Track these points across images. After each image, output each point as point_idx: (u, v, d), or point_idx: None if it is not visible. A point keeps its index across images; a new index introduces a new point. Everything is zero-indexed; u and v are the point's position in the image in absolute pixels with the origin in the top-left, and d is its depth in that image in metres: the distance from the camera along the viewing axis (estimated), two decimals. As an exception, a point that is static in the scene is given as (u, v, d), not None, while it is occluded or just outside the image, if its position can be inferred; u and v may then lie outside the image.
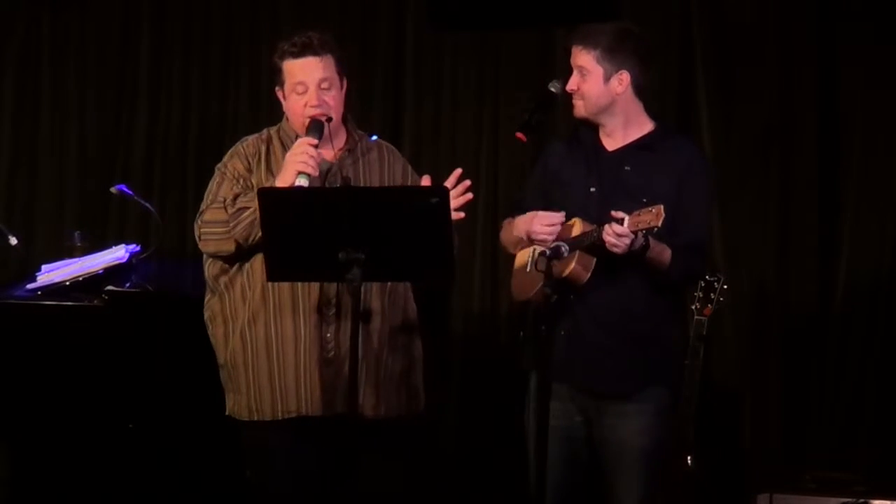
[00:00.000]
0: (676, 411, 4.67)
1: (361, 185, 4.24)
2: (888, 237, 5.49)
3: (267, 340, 4.17)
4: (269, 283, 4.13)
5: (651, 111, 4.34)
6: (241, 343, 4.21)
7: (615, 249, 3.99)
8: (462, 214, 4.05)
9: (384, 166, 4.33)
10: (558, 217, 4.15)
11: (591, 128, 4.33)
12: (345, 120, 4.31)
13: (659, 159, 4.22)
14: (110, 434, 4.80)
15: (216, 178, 4.26)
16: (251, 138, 4.31)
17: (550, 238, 4.11)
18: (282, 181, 4.05)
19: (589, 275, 4.11)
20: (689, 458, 4.94)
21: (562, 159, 4.35)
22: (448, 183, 4.03)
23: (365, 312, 4.14)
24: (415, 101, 6.03)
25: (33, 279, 5.01)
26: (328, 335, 4.15)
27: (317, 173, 4.07)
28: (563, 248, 4.03)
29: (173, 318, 4.81)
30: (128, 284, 4.95)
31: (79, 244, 5.27)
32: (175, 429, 4.84)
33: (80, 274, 4.94)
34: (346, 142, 4.30)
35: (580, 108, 4.28)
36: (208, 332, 4.30)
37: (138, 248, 5.14)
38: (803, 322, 5.55)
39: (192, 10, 6.26)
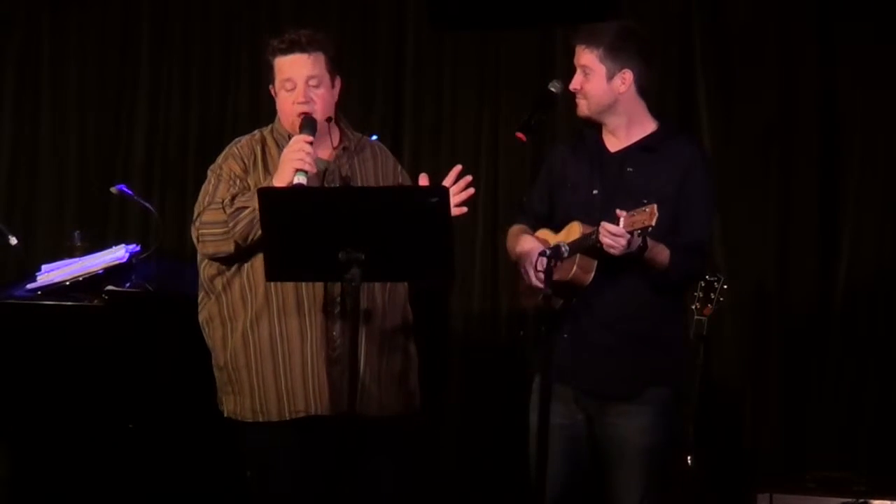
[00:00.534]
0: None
1: (359, 183, 4.25)
2: (888, 237, 5.49)
3: (272, 341, 4.17)
4: (273, 284, 4.13)
5: (653, 111, 4.33)
6: (242, 344, 4.20)
7: (612, 251, 3.98)
8: (465, 209, 4.05)
9: (378, 164, 4.33)
10: (544, 288, 3.99)
11: (594, 128, 4.32)
12: (338, 119, 4.31)
13: (661, 160, 4.21)
14: (110, 434, 4.80)
15: (211, 181, 4.25)
16: (244, 139, 4.31)
17: (538, 286, 4.06)
18: (279, 180, 4.05)
19: (591, 276, 4.11)
20: (689, 457, 4.93)
21: (566, 162, 4.35)
22: (447, 181, 4.03)
23: (367, 312, 4.15)
24: (415, 102, 6.03)
25: (33, 279, 5.01)
26: (334, 333, 4.16)
27: (314, 170, 4.08)
28: (563, 248, 4.03)
29: (173, 318, 4.81)
30: (128, 284, 4.95)
31: (79, 244, 5.27)
32: (175, 429, 4.84)
33: (80, 274, 4.95)
34: (341, 140, 4.30)
35: (583, 108, 4.27)
36: (204, 334, 4.29)
37: (138, 248, 5.14)
38: (803, 322, 5.55)
39: (192, 10, 6.26)
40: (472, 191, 4.07)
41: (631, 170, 4.21)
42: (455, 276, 4.18)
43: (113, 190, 5.43)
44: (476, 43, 5.97)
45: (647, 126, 4.28)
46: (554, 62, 5.62)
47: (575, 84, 4.25)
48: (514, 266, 4.36)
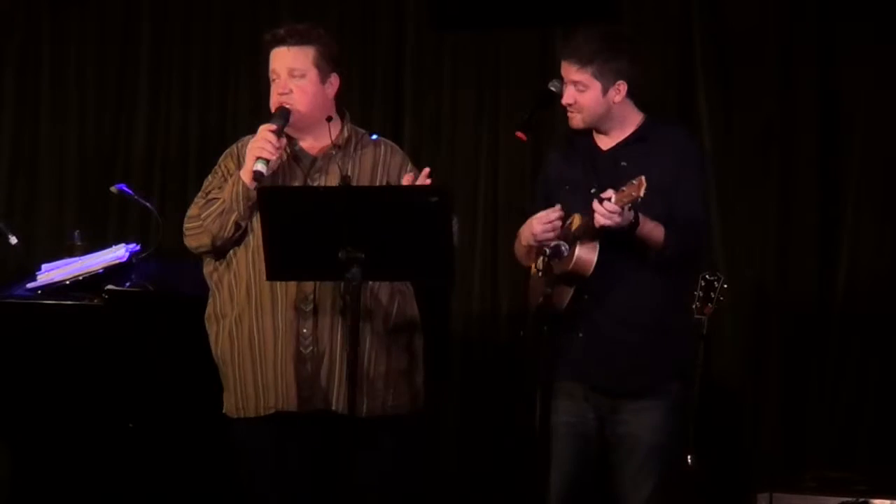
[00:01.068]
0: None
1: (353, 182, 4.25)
2: (888, 237, 5.49)
3: (250, 337, 4.19)
4: (254, 281, 4.16)
5: (652, 110, 4.33)
6: (228, 341, 4.22)
7: (606, 222, 3.96)
8: (428, 181, 4.05)
9: (377, 163, 4.30)
10: (554, 213, 4.13)
11: (584, 132, 4.32)
12: (340, 115, 4.31)
13: (652, 149, 4.20)
14: (110, 434, 4.80)
15: (207, 178, 4.31)
16: (247, 138, 4.32)
17: (553, 234, 4.10)
18: (244, 170, 4.11)
19: (595, 257, 4.08)
20: (689, 457, 4.94)
21: (559, 166, 4.34)
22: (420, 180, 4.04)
23: (371, 310, 4.17)
24: (415, 101, 6.03)
25: (33, 278, 5.00)
26: (305, 331, 4.16)
27: (275, 157, 4.11)
28: (563, 248, 4.03)
29: (173, 318, 4.81)
30: (128, 284, 4.95)
31: (79, 244, 5.26)
32: (175, 428, 4.83)
33: (80, 273, 4.94)
34: (338, 137, 4.29)
35: (577, 121, 4.25)
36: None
37: (138, 248, 5.13)
38: (803, 322, 5.55)
39: (192, 10, 6.27)
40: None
41: (625, 164, 4.20)
42: (455, 275, 4.17)
43: (113, 190, 5.43)
44: (476, 43, 5.98)
45: (635, 120, 4.28)
46: (554, 62, 5.58)
47: (568, 99, 4.22)
48: (524, 261, 4.35)
